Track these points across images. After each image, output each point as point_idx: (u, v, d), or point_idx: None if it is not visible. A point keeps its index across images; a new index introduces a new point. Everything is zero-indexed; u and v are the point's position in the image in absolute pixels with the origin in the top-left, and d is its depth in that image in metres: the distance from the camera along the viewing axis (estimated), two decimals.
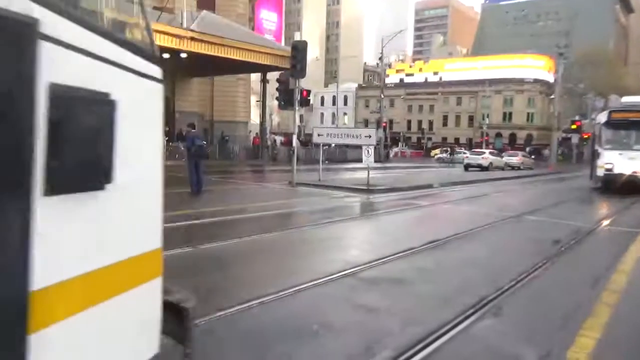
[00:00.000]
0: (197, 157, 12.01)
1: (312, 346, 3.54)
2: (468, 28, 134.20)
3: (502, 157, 35.46)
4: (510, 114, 72.82)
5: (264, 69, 29.31)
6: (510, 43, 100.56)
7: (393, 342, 3.65)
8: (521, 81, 71.61)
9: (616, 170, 15.48)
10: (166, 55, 24.47)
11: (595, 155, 17.63)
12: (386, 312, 4.31)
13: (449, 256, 6.77)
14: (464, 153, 44.50)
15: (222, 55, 24.29)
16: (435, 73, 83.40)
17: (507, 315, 4.49)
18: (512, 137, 71.82)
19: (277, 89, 15.50)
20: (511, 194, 17.38)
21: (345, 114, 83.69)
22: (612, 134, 16.45)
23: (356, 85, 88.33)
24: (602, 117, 17.52)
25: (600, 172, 16.26)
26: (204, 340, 3.53)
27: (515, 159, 36.34)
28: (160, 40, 21.42)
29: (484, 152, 33.06)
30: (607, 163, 15.77)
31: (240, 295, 4.56)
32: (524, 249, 7.67)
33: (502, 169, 32.62)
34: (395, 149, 59.50)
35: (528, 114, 71.69)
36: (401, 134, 72.60)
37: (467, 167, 30.83)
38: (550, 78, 72.27)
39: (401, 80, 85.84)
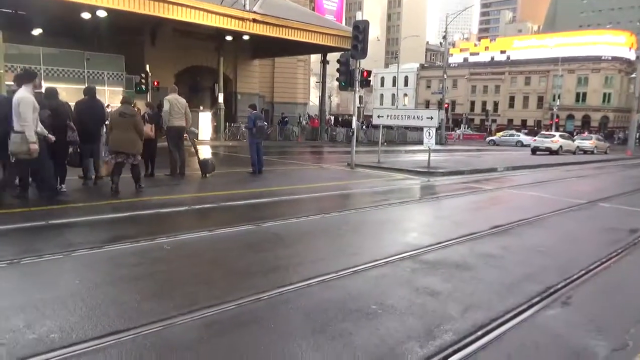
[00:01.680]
0: (259, 137, 12.24)
1: (372, 325, 3.56)
2: (540, 3, 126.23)
3: (573, 140, 33.40)
4: (584, 94, 68.18)
5: (324, 50, 29.20)
6: (586, 18, 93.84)
7: (454, 327, 3.61)
8: (598, 59, 66.62)
9: None
10: (229, 38, 25.01)
11: None
12: (447, 296, 4.25)
13: (513, 243, 6.53)
14: (517, 135, 42.86)
15: (284, 36, 24.41)
16: (503, 52, 79.34)
17: (577, 306, 4.30)
18: (586, 119, 67.39)
19: (337, 70, 15.39)
20: (583, 179, 16.41)
21: (405, 95, 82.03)
22: None
23: (417, 65, 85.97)
24: None
25: None
26: (266, 314, 3.67)
27: (588, 142, 34.08)
28: (223, 23, 21.88)
29: (554, 135, 31.25)
30: None
31: (300, 273, 4.67)
32: (597, 238, 7.26)
33: (574, 153, 30.75)
34: (458, 131, 57.67)
35: (604, 94, 66.79)
36: (464, 115, 70.12)
37: (535, 150, 29.34)
38: (631, 55, 66.89)
39: (465, 59, 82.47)
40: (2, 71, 16.06)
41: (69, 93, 18.18)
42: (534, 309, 4.10)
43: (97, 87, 10.73)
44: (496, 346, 3.39)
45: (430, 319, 3.75)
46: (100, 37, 23.97)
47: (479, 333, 3.54)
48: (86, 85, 20.68)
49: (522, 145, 40.42)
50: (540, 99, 71.48)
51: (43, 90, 8.60)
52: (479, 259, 5.51)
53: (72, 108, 8.88)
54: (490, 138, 44.40)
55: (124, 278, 4.33)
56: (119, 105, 9.22)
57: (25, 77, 7.36)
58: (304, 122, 34.69)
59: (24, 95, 6.94)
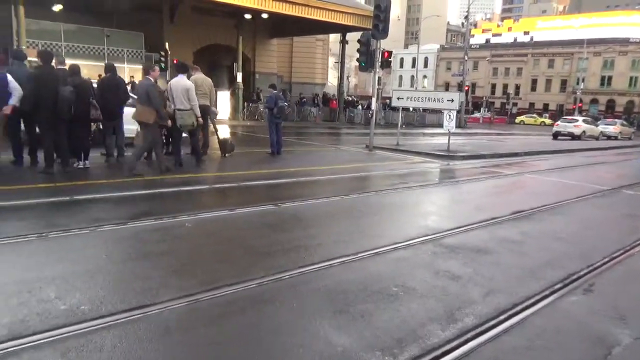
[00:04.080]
0: (279, 118, 12.20)
1: (393, 307, 3.58)
2: None
3: (597, 125, 32.64)
4: (610, 77, 66.29)
5: (344, 29, 28.81)
6: None
7: (475, 310, 3.62)
8: (625, 41, 64.47)
9: None
10: (247, 16, 24.84)
11: None
12: (468, 280, 4.25)
13: (534, 228, 6.46)
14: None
15: (303, 15, 24.13)
16: (526, 33, 77.45)
17: (599, 293, 4.26)
18: (610, 103, 65.69)
19: (357, 50, 15.19)
20: (606, 165, 16.08)
21: (425, 76, 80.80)
22: None
23: (438, 46, 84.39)
24: None
25: None
26: (288, 293, 3.71)
27: (612, 127, 33.25)
28: (242, 1, 21.68)
29: (577, 120, 30.58)
30: None
31: (321, 254, 4.70)
32: (620, 225, 7.15)
33: (597, 138, 30.09)
34: (477, 114, 56.76)
35: (631, 78, 64.79)
36: (484, 98, 68.94)
37: (557, 135, 28.80)
38: None
39: (487, 40, 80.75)
40: (24, 47, 16.24)
41: (89, 70, 18.33)
42: (556, 295, 4.07)
43: (116, 65, 10.73)
44: (519, 331, 3.39)
45: (452, 302, 3.76)
46: (120, 14, 24.01)
47: (501, 317, 3.54)
48: (106, 62, 20.85)
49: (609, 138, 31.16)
50: (564, 83, 69.77)
51: (67, 67, 8.68)
52: (499, 244, 5.47)
53: (95, 85, 8.97)
54: (556, 129, 29.77)
55: (148, 254, 4.42)
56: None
57: (181, 68, 9.38)
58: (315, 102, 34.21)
59: (187, 81, 9.06)
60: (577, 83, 57.10)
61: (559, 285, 4.26)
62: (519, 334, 3.35)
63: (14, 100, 7.39)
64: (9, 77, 7.39)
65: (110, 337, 2.87)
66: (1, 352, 2.65)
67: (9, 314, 3.06)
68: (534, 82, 73.15)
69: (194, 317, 3.22)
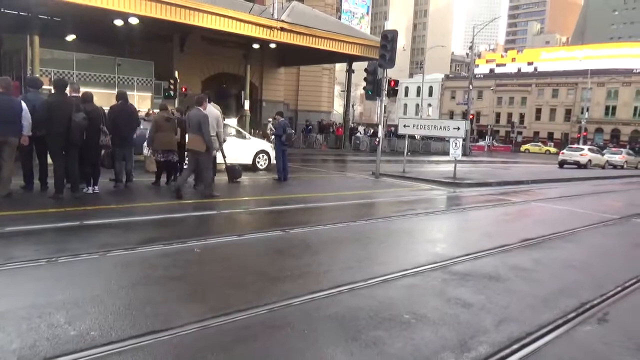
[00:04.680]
0: (286, 145, 12.32)
1: (406, 334, 3.53)
2: (569, 15, 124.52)
3: (602, 154, 32.65)
4: (614, 107, 66.68)
5: (350, 59, 29.30)
6: (617, 30, 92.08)
7: (489, 339, 3.56)
8: (629, 72, 65.09)
9: None
10: (256, 46, 25.35)
11: None
12: (480, 308, 4.19)
13: (545, 256, 6.40)
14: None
15: (310, 45, 24.62)
16: (530, 63, 78.36)
17: (615, 323, 4.19)
18: (615, 133, 65.86)
19: (364, 79, 15.40)
20: (614, 194, 16.00)
21: (429, 105, 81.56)
22: None
23: (442, 75, 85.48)
24: None
25: None
26: (299, 319, 3.68)
27: (618, 157, 33.28)
28: (251, 31, 22.19)
29: (583, 149, 30.63)
30: None
31: (330, 280, 4.67)
32: (633, 254, 7.08)
33: (603, 167, 30.07)
34: (482, 142, 56.92)
35: (635, 107, 65.13)
36: (489, 127, 69.31)
37: (563, 164, 28.78)
38: None
39: (491, 70, 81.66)
40: (37, 75, 16.59)
41: (100, 98, 18.63)
42: (570, 325, 4.01)
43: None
44: None
45: (464, 330, 3.70)
46: (131, 44, 24.59)
47: (515, 346, 3.47)
48: (116, 90, 21.21)
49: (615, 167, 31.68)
50: (568, 112, 70.20)
51: (80, 94, 8.85)
52: (510, 272, 5.42)
53: (106, 112, 9.12)
54: (562, 157, 29.33)
55: (159, 279, 4.40)
56: (159, 111, 10.22)
57: (198, 102, 9.07)
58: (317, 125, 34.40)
59: (200, 112, 8.88)
60: (582, 112, 57.44)
61: (572, 314, 4.20)
62: None
63: (26, 131, 7.52)
64: (23, 104, 7.53)
65: None
66: None
67: (18, 339, 3.05)
68: (538, 111, 73.63)
69: (205, 344, 3.19)
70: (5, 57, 23.91)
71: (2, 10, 20.38)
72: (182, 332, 3.29)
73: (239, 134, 14.40)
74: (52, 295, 3.83)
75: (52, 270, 4.48)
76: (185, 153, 9.82)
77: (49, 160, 8.21)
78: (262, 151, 14.59)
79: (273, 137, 14.35)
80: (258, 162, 14.45)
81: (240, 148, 13.54)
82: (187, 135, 9.05)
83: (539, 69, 75.99)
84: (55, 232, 5.95)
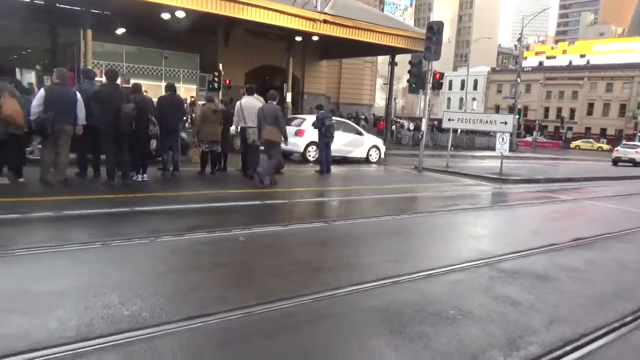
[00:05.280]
0: (327, 137, 12.32)
1: (452, 330, 3.47)
2: (624, 4, 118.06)
3: None
4: None
5: (393, 51, 28.86)
6: None
7: (539, 339, 3.44)
8: None
9: None
10: (298, 38, 25.39)
11: None
12: (529, 307, 4.05)
13: (598, 256, 6.13)
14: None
15: (353, 37, 24.39)
16: (582, 56, 74.88)
17: None
18: None
19: (408, 72, 15.17)
20: None
21: (474, 99, 79.47)
22: None
23: (488, 68, 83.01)
24: None
25: None
26: (342, 310, 3.67)
27: None
28: (295, 24, 22.20)
29: (638, 146, 29.08)
30: None
31: (373, 273, 4.65)
32: None
33: None
34: (529, 138, 54.99)
35: None
36: (537, 122, 66.89)
37: (617, 161, 27.43)
38: None
39: (540, 63, 78.59)
40: (90, 67, 17.25)
41: (148, 89, 19.20)
42: (627, 328, 3.82)
43: None
44: None
45: (513, 328, 3.59)
46: (178, 37, 25.14)
47: (567, 348, 3.34)
48: (163, 81, 21.77)
49: None
50: (623, 107, 66.70)
51: (130, 85, 9.15)
52: (561, 271, 5.21)
53: (155, 103, 9.39)
54: (616, 154, 28.07)
55: (205, 265, 4.51)
56: (206, 103, 10.51)
57: (250, 91, 10.37)
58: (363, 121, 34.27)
59: (257, 102, 10.05)
60: (638, 107, 54.46)
61: (629, 318, 4.00)
62: None
63: (80, 120, 7.85)
64: (78, 95, 7.86)
65: (170, 344, 2.93)
66: (70, 352, 2.75)
67: (75, 317, 3.19)
68: (591, 105, 70.34)
69: (251, 329, 3.24)
70: (60, 50, 25.00)
71: (58, 5, 21.29)
72: (228, 317, 3.35)
73: (358, 132, 16.11)
74: (106, 276, 3.99)
75: (106, 253, 4.66)
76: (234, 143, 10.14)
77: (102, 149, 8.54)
78: (375, 146, 16.34)
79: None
80: (370, 156, 16.13)
81: (357, 144, 15.31)
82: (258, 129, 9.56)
83: (591, 62, 72.51)
84: (108, 217, 6.19)
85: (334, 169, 12.75)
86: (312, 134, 13.89)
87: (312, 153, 14.42)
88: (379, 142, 16.77)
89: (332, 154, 12.98)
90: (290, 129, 13.55)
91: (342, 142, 14.81)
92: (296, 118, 15.51)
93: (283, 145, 9.76)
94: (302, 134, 14.37)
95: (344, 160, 15.38)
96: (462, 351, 3.16)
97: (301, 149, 14.38)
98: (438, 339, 3.31)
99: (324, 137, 12.31)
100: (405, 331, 3.39)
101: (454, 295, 4.23)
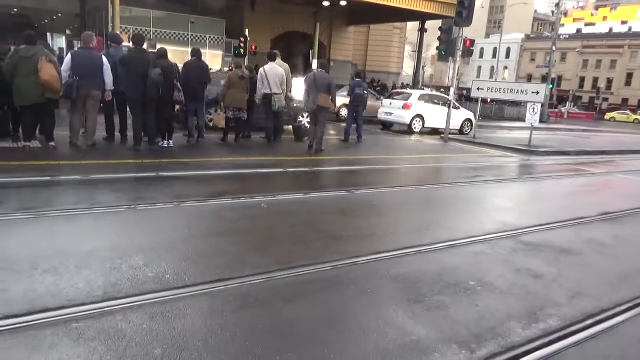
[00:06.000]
0: (357, 106, 12.19)
1: (471, 301, 3.47)
2: None
3: None
4: None
5: (423, 17, 28.00)
6: None
7: (560, 312, 3.41)
8: None
9: None
10: (326, 3, 24.86)
11: None
12: (552, 281, 4.01)
13: (627, 232, 5.98)
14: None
15: (383, 2, 23.73)
16: (624, 22, 71.10)
17: None
18: None
19: (438, 38, 14.74)
20: None
21: (506, 68, 76.92)
22: None
23: (522, 36, 79.81)
24: None
25: None
26: (362, 278, 3.70)
27: None
28: None
29: None
30: None
31: (395, 242, 4.66)
32: None
33: None
34: (562, 109, 53.22)
35: None
36: (571, 92, 64.45)
37: None
38: None
39: (579, 30, 75.09)
40: (118, 32, 17.33)
41: (174, 55, 19.24)
42: None
43: None
44: (608, 338, 3.16)
45: (533, 301, 3.57)
46: (204, 2, 24.98)
47: (588, 322, 3.31)
48: (190, 47, 21.74)
49: None
50: None
51: (156, 50, 9.17)
52: (586, 246, 5.12)
53: (180, 69, 9.39)
54: None
55: (227, 231, 4.59)
56: (233, 69, 10.60)
57: (272, 56, 10.35)
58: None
59: (280, 69, 10.15)
60: None
61: None
62: (609, 342, 3.12)
63: (108, 86, 7.93)
64: (105, 59, 7.92)
65: (193, 306, 3.02)
66: (98, 311, 2.86)
67: (102, 277, 3.31)
68: (629, 76, 67.14)
69: (271, 294, 3.30)
70: (89, 15, 25.16)
71: None
72: (249, 281, 3.42)
73: (454, 105, 16.35)
74: (131, 239, 4.11)
75: (132, 216, 4.79)
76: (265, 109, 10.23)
77: (129, 114, 8.66)
78: (468, 119, 17.35)
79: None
80: (464, 129, 17.10)
81: (453, 116, 15.48)
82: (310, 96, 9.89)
83: (634, 29, 68.82)
84: (134, 181, 6.33)
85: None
86: (418, 108, 16.11)
87: (417, 125, 16.30)
88: (471, 115, 17.34)
89: (431, 125, 15.95)
90: (397, 103, 16.03)
91: (438, 115, 16.13)
92: (402, 93, 16.64)
93: (388, 117, 10.21)
94: (408, 108, 16.07)
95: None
96: (481, 322, 3.16)
97: (407, 121, 16.13)
98: (457, 310, 3.32)
99: (353, 107, 12.18)
100: (425, 301, 3.41)
101: (475, 266, 4.21)
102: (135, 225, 4.57)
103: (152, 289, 3.19)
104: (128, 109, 8.64)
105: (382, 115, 16.78)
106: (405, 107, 16.07)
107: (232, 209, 5.34)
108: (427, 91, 15.89)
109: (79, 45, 9.10)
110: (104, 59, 7.95)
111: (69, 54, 7.89)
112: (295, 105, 11.57)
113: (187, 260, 3.72)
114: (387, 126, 17.08)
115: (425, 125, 16.42)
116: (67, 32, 26.72)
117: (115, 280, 3.27)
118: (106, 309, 2.89)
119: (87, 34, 8.09)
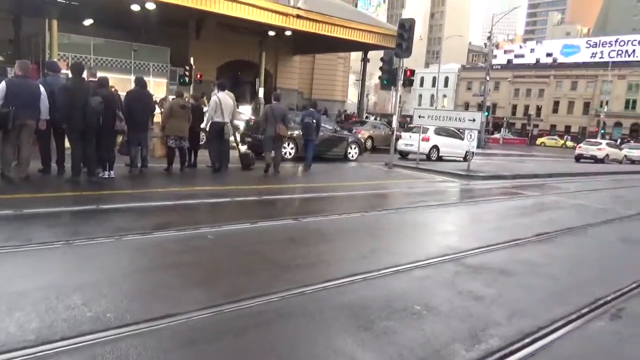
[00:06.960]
0: (307, 135, 12.47)
1: (417, 325, 3.55)
2: (590, 5, 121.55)
3: (621, 149, 32.10)
4: (634, 101, 65.30)
5: (366, 48, 29.01)
6: None
7: (500, 332, 3.55)
8: None
9: None
10: (271, 33, 25.22)
11: None
12: (492, 302, 4.18)
13: (559, 251, 6.35)
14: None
15: (326, 33, 24.38)
16: (549, 55, 76.90)
17: (629, 319, 4.16)
18: (635, 127, 64.55)
19: (380, 68, 15.31)
20: (633, 189, 15.75)
21: (445, 96, 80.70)
22: None
23: (459, 66, 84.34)
24: None
25: None
26: (310, 308, 3.70)
27: (637, 151, 32.70)
28: (267, 18, 22.04)
29: (600, 143, 30.15)
30: None
31: (342, 269, 4.70)
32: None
33: (620, 162, 29.57)
34: (497, 135, 56.26)
35: None
36: (505, 119, 68.40)
37: (579, 158, 28.39)
38: None
39: (509, 61, 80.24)
40: (55, 59, 16.74)
41: (117, 83, 18.78)
42: (583, 320, 3.98)
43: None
44: (545, 355, 3.32)
45: (475, 322, 3.70)
46: (148, 29, 24.61)
47: (527, 340, 3.47)
48: (133, 75, 21.31)
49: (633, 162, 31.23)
50: (587, 105, 68.94)
51: (96, 79, 8.93)
52: (523, 266, 5.39)
53: (122, 98, 9.18)
54: (579, 151, 29.37)
55: (172, 264, 4.46)
56: (175, 98, 10.36)
57: (222, 86, 10.84)
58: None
59: (229, 99, 10.56)
60: (601, 106, 56.40)
61: (585, 310, 4.17)
62: (546, 358, 3.28)
63: (44, 115, 7.62)
64: (42, 88, 7.62)
65: (135, 345, 2.90)
66: (31, 356, 2.69)
67: (37, 319, 3.11)
68: (556, 103, 72.41)
69: (218, 329, 3.23)
70: (24, 40, 24.14)
71: None
72: (196, 316, 3.34)
73: (457, 136, 19.36)
74: (68, 277, 3.91)
75: (69, 253, 4.56)
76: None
77: (66, 144, 8.32)
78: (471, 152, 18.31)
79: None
80: (467, 157, 17.37)
81: (457, 146, 18.83)
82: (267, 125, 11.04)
83: (558, 61, 74.49)
84: (72, 215, 6.05)
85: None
86: (435, 140, 18.81)
87: (434, 154, 18.92)
88: (473, 147, 17.56)
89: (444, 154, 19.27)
90: (416, 136, 17.31)
91: (450, 145, 19.30)
92: (421, 127, 17.21)
93: (405, 147, 11.81)
94: (427, 140, 18.34)
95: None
96: (426, 346, 3.24)
97: (426, 151, 18.43)
98: (404, 335, 3.38)
99: (304, 135, 12.51)
100: (373, 327, 3.45)
101: (420, 291, 4.32)
102: (72, 262, 4.35)
103: (91, 329, 3.03)
104: (66, 139, 8.30)
105: (401, 147, 18.97)
106: (424, 139, 17.65)
107: (176, 241, 5.21)
108: (441, 124, 17.05)
109: (13, 73, 8.70)
110: (41, 87, 7.65)
111: (3, 82, 7.51)
112: (239, 132, 11.82)
113: (129, 296, 3.58)
114: (404, 155, 19.03)
115: (440, 154, 19.19)
116: (0, 58, 25.51)
117: (51, 321, 3.09)
118: (39, 354, 2.71)
119: (23, 62, 7.79)
